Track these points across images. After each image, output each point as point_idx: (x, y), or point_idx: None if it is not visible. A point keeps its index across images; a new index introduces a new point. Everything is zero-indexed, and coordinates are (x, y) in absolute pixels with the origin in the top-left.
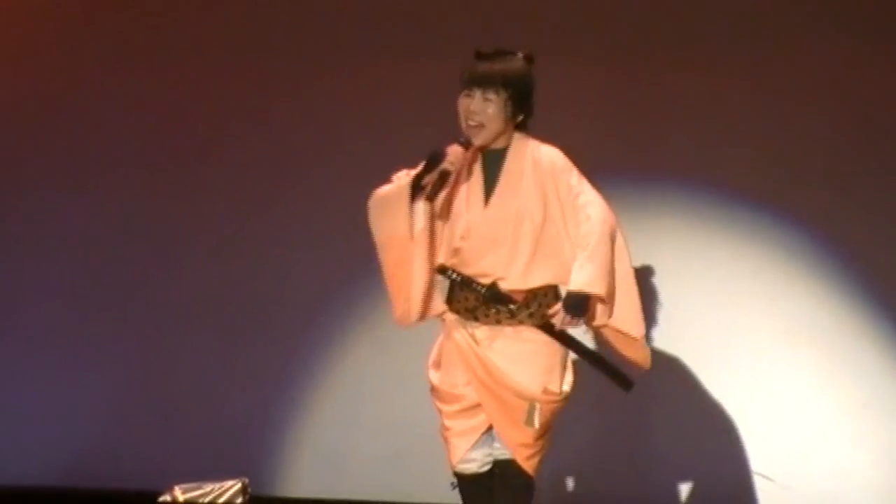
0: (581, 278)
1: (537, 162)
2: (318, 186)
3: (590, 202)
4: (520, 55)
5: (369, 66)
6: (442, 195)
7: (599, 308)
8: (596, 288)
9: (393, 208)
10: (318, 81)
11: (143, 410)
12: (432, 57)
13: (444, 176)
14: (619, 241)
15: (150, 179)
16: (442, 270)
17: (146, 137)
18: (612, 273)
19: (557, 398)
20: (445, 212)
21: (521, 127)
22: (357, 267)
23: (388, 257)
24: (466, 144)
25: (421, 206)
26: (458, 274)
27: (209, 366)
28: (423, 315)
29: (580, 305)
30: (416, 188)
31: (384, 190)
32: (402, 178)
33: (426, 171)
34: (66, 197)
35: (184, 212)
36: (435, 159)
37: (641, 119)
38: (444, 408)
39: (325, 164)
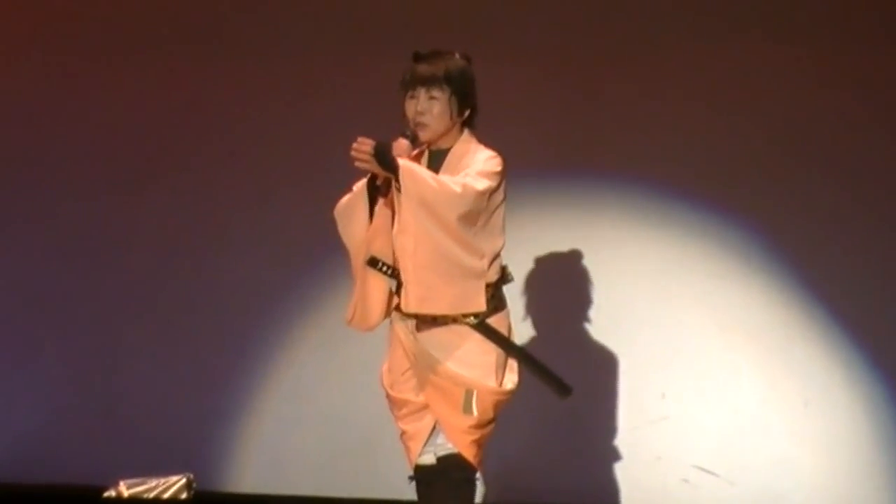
0: (413, 166)
1: (468, 164)
2: (260, 186)
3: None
4: (456, 55)
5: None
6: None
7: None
8: (408, 171)
9: (355, 214)
10: (263, 78)
11: (88, 406)
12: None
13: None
14: (447, 216)
15: (94, 179)
16: (373, 263)
17: (91, 136)
18: (424, 202)
19: (497, 391)
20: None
21: (469, 124)
22: (302, 264)
23: (358, 263)
24: (412, 138)
25: (380, 206)
26: (389, 267)
27: (155, 361)
28: (387, 314)
29: (384, 154)
30: (373, 189)
31: (346, 198)
32: (360, 184)
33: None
34: (11, 195)
35: (128, 210)
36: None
37: (577, 116)
38: (396, 412)
39: (270, 163)
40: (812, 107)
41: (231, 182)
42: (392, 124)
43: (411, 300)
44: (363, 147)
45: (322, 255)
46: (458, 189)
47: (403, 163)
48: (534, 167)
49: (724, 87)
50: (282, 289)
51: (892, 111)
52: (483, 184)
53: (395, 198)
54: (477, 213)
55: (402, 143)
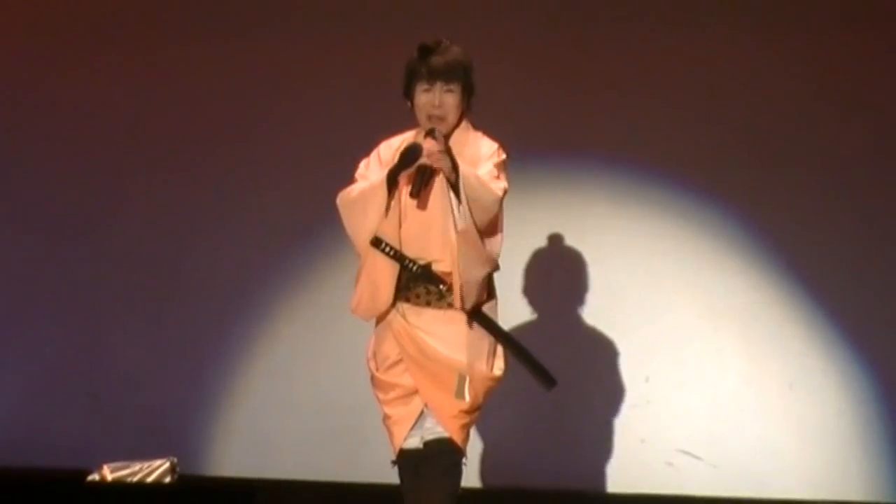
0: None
1: (470, 153)
2: (243, 168)
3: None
4: (447, 42)
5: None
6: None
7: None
8: (466, 175)
9: (372, 206)
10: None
11: (72, 390)
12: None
13: (424, 171)
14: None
15: (75, 162)
16: (376, 243)
17: (78, 124)
18: (475, 202)
19: (488, 377)
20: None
21: (467, 110)
22: (284, 249)
23: (369, 256)
24: (436, 133)
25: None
26: (392, 248)
27: (139, 345)
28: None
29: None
30: (392, 184)
31: (357, 190)
32: (373, 176)
33: (402, 166)
34: None
35: (110, 193)
36: (412, 155)
37: (566, 102)
38: (382, 396)
39: (253, 148)
40: (799, 94)
41: (213, 168)
42: (382, 111)
43: (465, 300)
44: (438, 146)
45: (305, 239)
46: (499, 194)
47: (462, 167)
48: (521, 152)
49: (718, 73)
50: (265, 273)
51: (878, 103)
52: (504, 185)
53: (436, 186)
54: (498, 213)
55: (430, 143)
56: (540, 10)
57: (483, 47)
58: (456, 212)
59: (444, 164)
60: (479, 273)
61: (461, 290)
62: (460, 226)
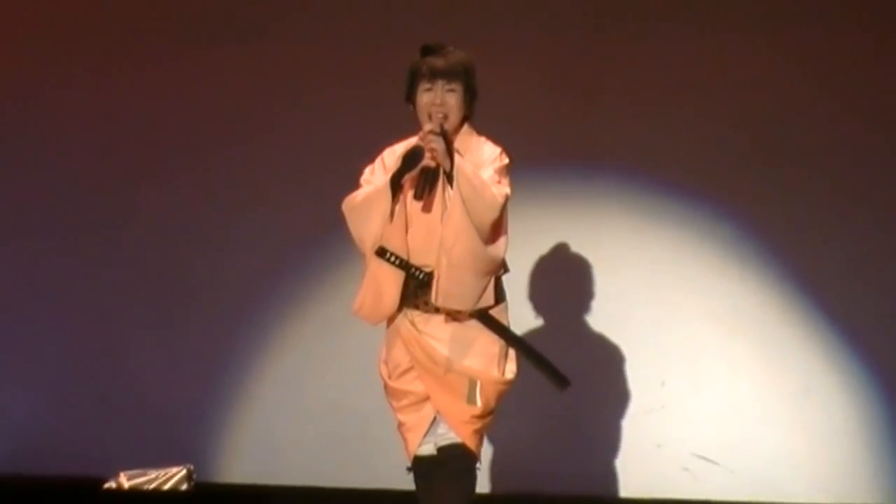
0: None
1: (473, 158)
2: (255, 174)
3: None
4: (450, 47)
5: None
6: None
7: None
8: (461, 167)
9: (376, 210)
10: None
11: (88, 398)
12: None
13: (427, 173)
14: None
15: (87, 166)
16: (381, 252)
17: (90, 128)
18: (471, 201)
19: (499, 381)
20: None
21: (469, 115)
22: (297, 255)
23: (373, 260)
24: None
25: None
26: (397, 258)
27: (152, 352)
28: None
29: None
30: (396, 187)
31: (361, 195)
32: (378, 179)
33: (405, 168)
34: (10, 187)
35: (121, 199)
36: (415, 157)
37: (574, 110)
38: (395, 403)
39: (267, 154)
40: (804, 101)
41: (226, 173)
42: (387, 117)
43: (440, 295)
44: (435, 130)
45: (317, 245)
46: (500, 199)
47: (459, 158)
48: (531, 160)
49: (719, 81)
50: (277, 279)
51: (883, 105)
52: (506, 190)
53: (440, 190)
54: (501, 217)
55: (427, 125)
56: (553, 17)
57: (493, 55)
58: (448, 202)
59: (437, 145)
60: (463, 272)
61: (437, 281)
62: (447, 215)
